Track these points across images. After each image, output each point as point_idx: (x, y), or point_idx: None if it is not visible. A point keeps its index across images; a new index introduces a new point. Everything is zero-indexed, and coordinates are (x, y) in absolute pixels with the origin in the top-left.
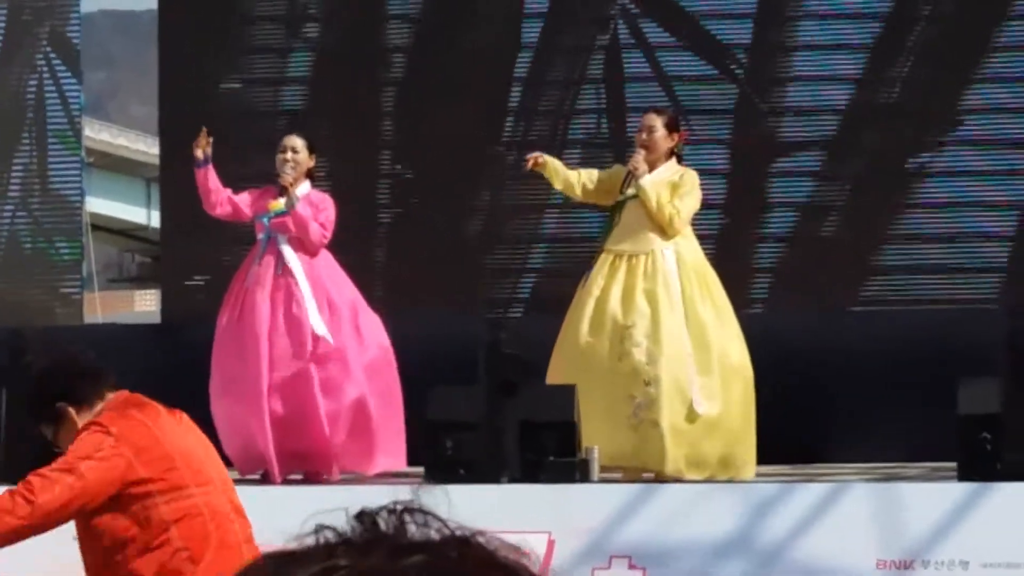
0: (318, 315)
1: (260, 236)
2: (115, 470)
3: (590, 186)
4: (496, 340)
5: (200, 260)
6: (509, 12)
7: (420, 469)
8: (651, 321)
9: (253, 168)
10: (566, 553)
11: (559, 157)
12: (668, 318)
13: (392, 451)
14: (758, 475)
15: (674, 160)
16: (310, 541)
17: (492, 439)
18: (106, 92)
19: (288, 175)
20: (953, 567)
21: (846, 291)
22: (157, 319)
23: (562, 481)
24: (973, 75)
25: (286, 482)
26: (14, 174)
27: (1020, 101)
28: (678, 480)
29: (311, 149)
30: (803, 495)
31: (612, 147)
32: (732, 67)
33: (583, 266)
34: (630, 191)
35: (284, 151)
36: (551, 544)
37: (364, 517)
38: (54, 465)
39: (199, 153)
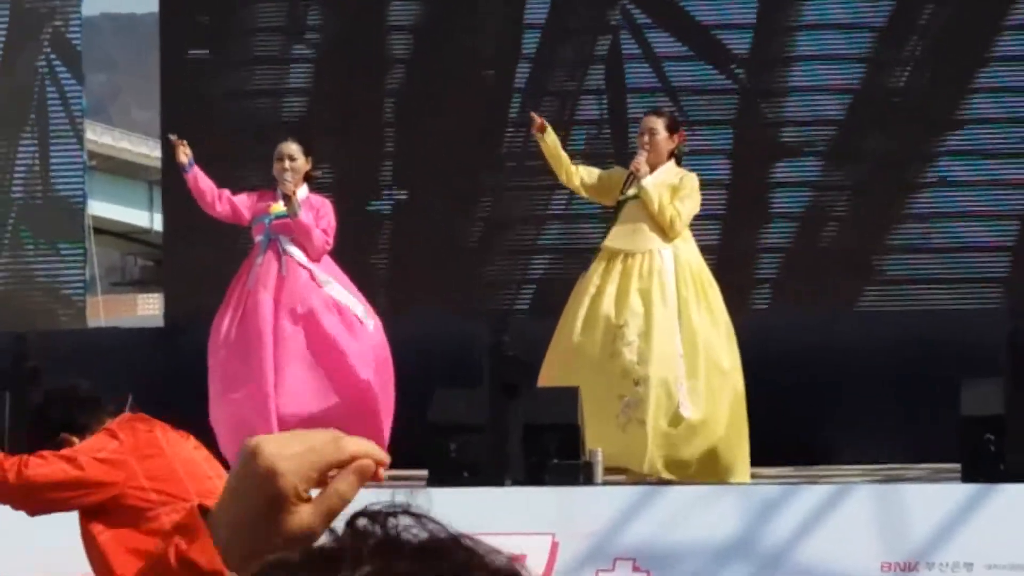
0: (353, 298)
1: (259, 238)
2: (115, 471)
3: (588, 181)
4: (499, 343)
5: (202, 263)
6: (509, 22)
7: (422, 472)
8: (644, 320)
9: (256, 175)
10: (570, 555)
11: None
12: (661, 318)
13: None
14: (762, 477)
15: (673, 162)
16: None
17: (496, 442)
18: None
19: (288, 183)
20: (957, 569)
21: (846, 301)
22: (160, 322)
23: (566, 484)
24: (972, 85)
25: None
26: (16, 177)
27: (1019, 111)
28: (661, 481)
29: (307, 153)
30: (807, 497)
31: (614, 157)
32: (734, 75)
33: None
34: (631, 192)
35: (281, 159)
36: (555, 546)
37: (358, 521)
38: (55, 451)
39: (182, 158)
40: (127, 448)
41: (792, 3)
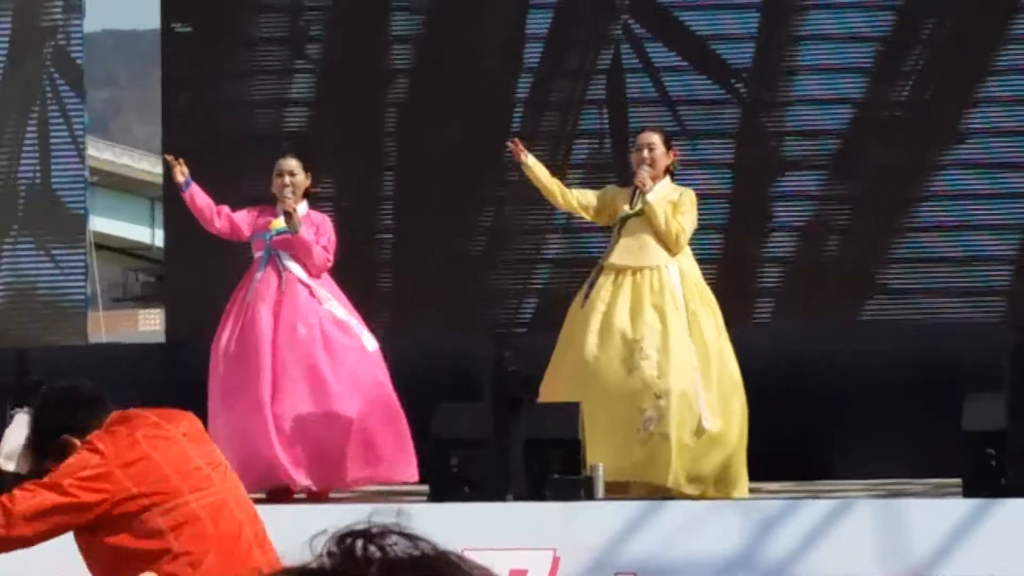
0: (352, 318)
1: (259, 253)
2: (102, 487)
3: (584, 202)
4: (501, 357)
5: (204, 280)
6: (511, 34)
7: (420, 487)
8: (660, 335)
9: (258, 189)
10: (571, 570)
11: (561, 179)
12: (676, 332)
13: (399, 463)
14: (763, 492)
15: (669, 178)
16: (292, 564)
17: (498, 457)
18: (109, 111)
19: (289, 199)
20: None
21: (848, 314)
22: (161, 338)
23: (567, 498)
24: (974, 97)
25: (277, 501)
26: (19, 193)
27: (1021, 123)
28: (680, 496)
29: (307, 168)
30: (808, 512)
31: (615, 169)
32: (735, 88)
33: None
34: (636, 207)
35: (281, 175)
36: (556, 561)
37: (354, 543)
38: (40, 480)
39: (179, 178)
40: (110, 459)
41: (793, 15)
